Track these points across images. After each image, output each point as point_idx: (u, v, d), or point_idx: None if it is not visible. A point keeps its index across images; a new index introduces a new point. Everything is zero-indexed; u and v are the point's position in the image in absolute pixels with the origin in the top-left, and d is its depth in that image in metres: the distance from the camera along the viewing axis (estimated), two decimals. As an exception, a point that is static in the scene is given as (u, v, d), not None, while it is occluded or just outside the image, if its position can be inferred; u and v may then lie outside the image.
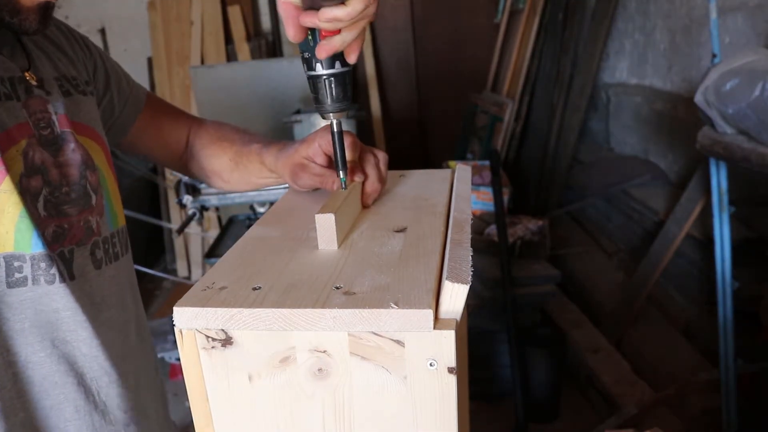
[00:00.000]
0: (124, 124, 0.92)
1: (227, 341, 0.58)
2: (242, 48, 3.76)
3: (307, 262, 0.64)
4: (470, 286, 0.56)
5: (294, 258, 0.65)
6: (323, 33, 0.62)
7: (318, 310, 0.54)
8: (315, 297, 0.56)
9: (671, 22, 2.66)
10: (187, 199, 2.31)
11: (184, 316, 0.57)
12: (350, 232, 0.71)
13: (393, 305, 0.53)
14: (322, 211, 0.67)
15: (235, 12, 3.77)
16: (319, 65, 0.66)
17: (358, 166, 0.77)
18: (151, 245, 3.83)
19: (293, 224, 0.75)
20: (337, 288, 0.57)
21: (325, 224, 0.66)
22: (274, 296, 0.56)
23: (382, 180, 0.78)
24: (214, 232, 3.62)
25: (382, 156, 0.79)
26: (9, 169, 0.66)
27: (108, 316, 0.77)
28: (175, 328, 0.59)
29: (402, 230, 0.70)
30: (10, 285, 0.67)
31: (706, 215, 2.00)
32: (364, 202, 0.77)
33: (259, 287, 0.58)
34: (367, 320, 0.53)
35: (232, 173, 0.96)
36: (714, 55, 1.75)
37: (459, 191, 0.80)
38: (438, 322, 0.55)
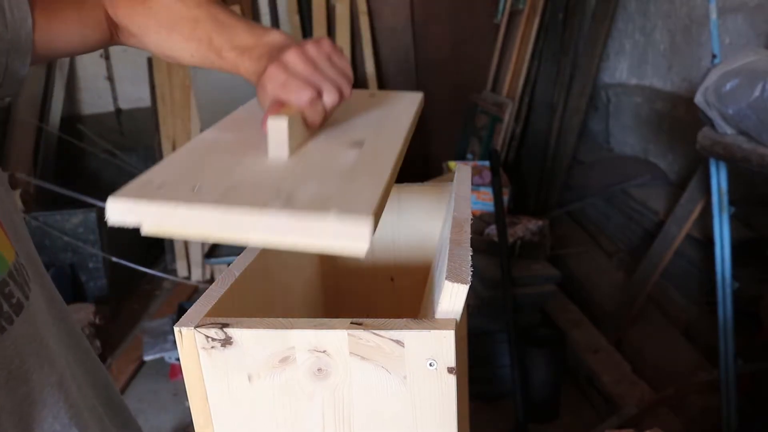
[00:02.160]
0: (20, 49, 0.72)
1: (227, 341, 0.58)
2: (242, 48, 3.76)
3: (254, 167, 0.61)
4: (470, 286, 0.56)
5: (241, 162, 0.62)
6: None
7: (256, 210, 0.51)
8: (254, 200, 0.53)
9: (671, 22, 2.66)
10: (187, 199, 2.31)
11: (117, 210, 0.55)
12: (304, 142, 0.68)
13: (333, 212, 0.50)
14: (276, 114, 0.63)
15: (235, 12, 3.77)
16: None
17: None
18: (150, 245, 3.83)
19: (250, 131, 0.72)
20: (279, 193, 0.55)
21: (277, 129, 0.62)
22: (212, 197, 0.54)
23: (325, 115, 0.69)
24: (214, 232, 3.62)
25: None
26: None
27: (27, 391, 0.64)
28: (174, 329, 0.59)
29: (359, 144, 0.68)
30: None
31: (706, 215, 2.01)
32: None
33: (199, 187, 0.56)
34: (302, 228, 0.50)
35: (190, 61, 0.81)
36: (714, 56, 1.75)
37: (459, 191, 0.80)
38: (437, 322, 0.55)
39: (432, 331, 0.54)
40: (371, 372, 0.57)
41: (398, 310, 0.95)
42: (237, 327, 0.57)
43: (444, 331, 0.54)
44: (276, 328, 0.57)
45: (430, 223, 0.93)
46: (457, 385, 0.56)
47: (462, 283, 0.56)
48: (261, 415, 0.60)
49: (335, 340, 0.56)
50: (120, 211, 0.54)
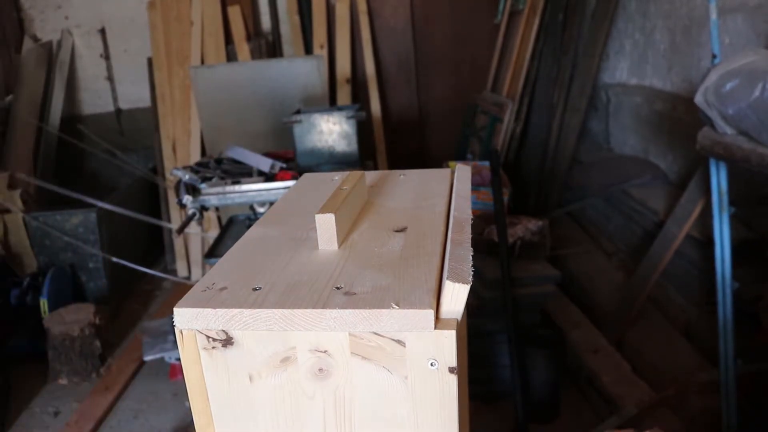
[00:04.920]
0: None
1: (228, 341, 0.58)
2: (242, 48, 3.76)
3: (307, 262, 0.64)
4: (470, 286, 0.56)
5: (294, 258, 0.65)
6: None
7: (318, 310, 0.54)
8: (315, 297, 0.56)
9: (671, 22, 2.66)
10: (187, 199, 2.31)
11: (184, 317, 0.57)
12: (350, 231, 0.71)
13: (394, 305, 0.53)
14: (322, 211, 0.67)
15: (235, 12, 3.77)
16: None
17: None
18: (150, 245, 3.83)
19: (294, 224, 0.75)
20: (338, 288, 0.57)
21: (326, 224, 0.66)
22: (274, 297, 0.56)
23: None
24: (214, 233, 3.62)
25: None
26: None
27: None
28: (176, 329, 0.59)
29: (402, 230, 0.70)
30: None
31: (706, 215, 2.00)
32: None
33: (260, 288, 0.58)
34: (367, 320, 0.53)
35: None
36: (714, 56, 1.75)
37: (459, 191, 0.80)
38: (439, 322, 0.55)
39: (434, 331, 0.54)
40: (373, 372, 0.57)
41: None
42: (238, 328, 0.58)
43: (445, 331, 0.54)
44: None
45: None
46: (458, 385, 0.56)
47: (463, 283, 0.56)
48: (262, 415, 0.60)
49: (337, 340, 0.56)
50: (188, 318, 0.57)
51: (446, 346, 0.54)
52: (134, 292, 3.50)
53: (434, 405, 0.57)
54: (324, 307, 0.54)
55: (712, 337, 1.89)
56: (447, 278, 0.56)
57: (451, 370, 0.55)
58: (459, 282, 0.55)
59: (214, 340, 0.58)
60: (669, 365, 2.07)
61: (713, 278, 1.85)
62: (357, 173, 0.79)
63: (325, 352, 0.57)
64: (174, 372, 2.67)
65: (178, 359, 2.68)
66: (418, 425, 0.58)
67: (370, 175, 0.89)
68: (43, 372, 2.72)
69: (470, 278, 0.57)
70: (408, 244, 0.66)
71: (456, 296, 0.56)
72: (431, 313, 0.52)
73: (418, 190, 0.84)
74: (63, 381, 2.69)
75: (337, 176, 0.91)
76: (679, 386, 1.95)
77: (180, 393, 2.53)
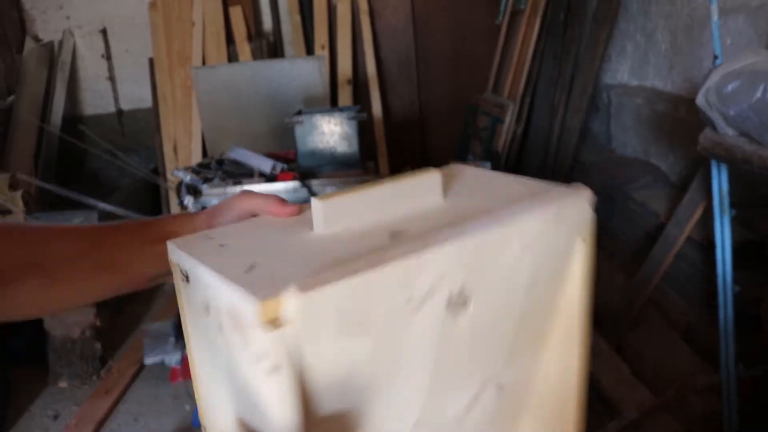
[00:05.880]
0: None
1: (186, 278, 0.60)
2: (244, 48, 3.76)
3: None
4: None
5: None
6: None
7: None
8: None
9: (672, 23, 2.65)
10: (189, 200, 2.31)
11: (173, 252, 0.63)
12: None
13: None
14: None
15: (236, 12, 3.77)
16: None
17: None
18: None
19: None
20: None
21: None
22: None
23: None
24: (214, 233, 3.62)
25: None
26: None
27: None
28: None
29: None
30: None
31: (707, 217, 1.99)
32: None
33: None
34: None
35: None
36: (715, 57, 1.74)
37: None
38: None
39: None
40: None
41: None
42: None
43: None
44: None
45: None
46: None
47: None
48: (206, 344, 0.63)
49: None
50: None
51: None
52: (135, 294, 3.47)
53: None
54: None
55: (712, 339, 1.88)
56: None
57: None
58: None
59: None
60: (669, 368, 2.06)
61: (714, 281, 1.84)
62: None
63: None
64: (174, 375, 2.67)
65: (178, 362, 2.68)
66: None
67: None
68: (43, 375, 2.72)
69: None
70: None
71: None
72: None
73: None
74: (63, 384, 2.69)
75: None
76: (679, 389, 1.94)
77: (180, 396, 2.52)
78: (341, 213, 0.61)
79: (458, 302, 0.59)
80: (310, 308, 0.47)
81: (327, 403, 0.52)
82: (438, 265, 0.56)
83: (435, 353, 0.59)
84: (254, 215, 0.68)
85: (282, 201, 0.67)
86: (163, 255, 0.61)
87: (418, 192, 0.67)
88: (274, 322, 0.46)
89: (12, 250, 0.61)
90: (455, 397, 0.65)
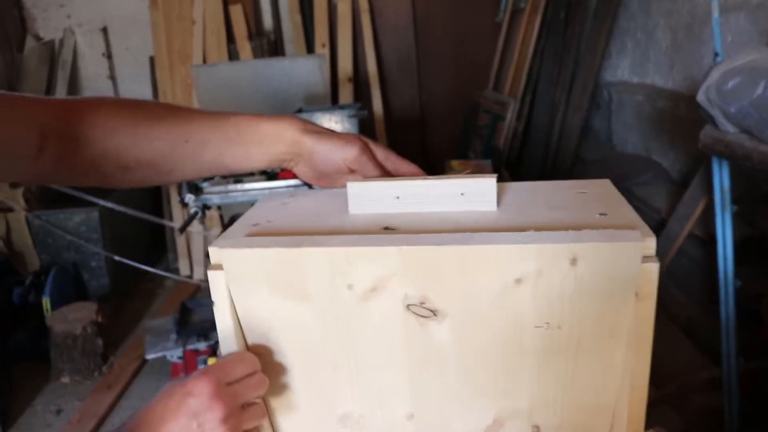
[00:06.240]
0: None
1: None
2: (244, 47, 3.76)
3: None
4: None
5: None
6: None
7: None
8: None
9: (673, 20, 2.66)
10: (189, 197, 2.31)
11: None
12: None
13: None
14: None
15: (237, 11, 3.77)
16: None
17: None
18: (153, 244, 3.84)
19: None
20: None
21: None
22: None
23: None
24: (216, 231, 3.63)
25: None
26: None
27: None
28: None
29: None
30: None
31: (709, 214, 2.00)
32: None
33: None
34: None
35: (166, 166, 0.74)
36: (716, 54, 1.75)
37: None
38: None
39: None
40: None
41: None
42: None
43: None
44: None
45: None
46: None
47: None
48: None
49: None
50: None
51: None
52: (136, 290, 3.51)
53: None
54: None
55: (714, 334, 1.89)
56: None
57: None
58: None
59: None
60: (670, 363, 2.07)
61: (715, 276, 1.85)
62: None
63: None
64: (176, 370, 2.67)
65: (180, 357, 2.68)
66: None
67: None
68: (45, 370, 2.73)
69: None
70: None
71: None
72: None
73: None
74: (65, 379, 2.70)
75: None
76: (680, 384, 1.95)
77: (182, 391, 2.53)
78: (369, 198, 0.69)
79: (424, 310, 0.60)
80: (234, 262, 0.62)
81: (256, 336, 0.66)
82: (378, 264, 0.59)
83: (408, 353, 0.63)
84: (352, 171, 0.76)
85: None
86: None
87: (470, 197, 0.67)
88: (215, 267, 0.63)
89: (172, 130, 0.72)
90: (464, 415, 0.66)
